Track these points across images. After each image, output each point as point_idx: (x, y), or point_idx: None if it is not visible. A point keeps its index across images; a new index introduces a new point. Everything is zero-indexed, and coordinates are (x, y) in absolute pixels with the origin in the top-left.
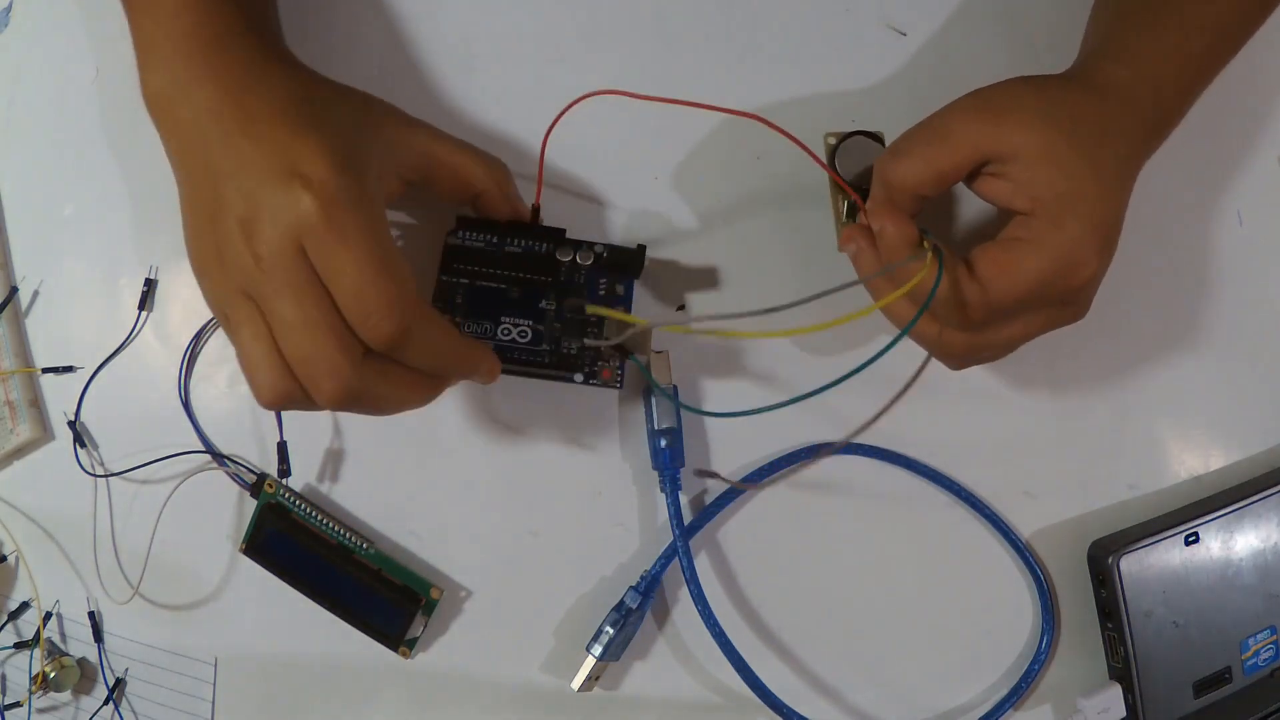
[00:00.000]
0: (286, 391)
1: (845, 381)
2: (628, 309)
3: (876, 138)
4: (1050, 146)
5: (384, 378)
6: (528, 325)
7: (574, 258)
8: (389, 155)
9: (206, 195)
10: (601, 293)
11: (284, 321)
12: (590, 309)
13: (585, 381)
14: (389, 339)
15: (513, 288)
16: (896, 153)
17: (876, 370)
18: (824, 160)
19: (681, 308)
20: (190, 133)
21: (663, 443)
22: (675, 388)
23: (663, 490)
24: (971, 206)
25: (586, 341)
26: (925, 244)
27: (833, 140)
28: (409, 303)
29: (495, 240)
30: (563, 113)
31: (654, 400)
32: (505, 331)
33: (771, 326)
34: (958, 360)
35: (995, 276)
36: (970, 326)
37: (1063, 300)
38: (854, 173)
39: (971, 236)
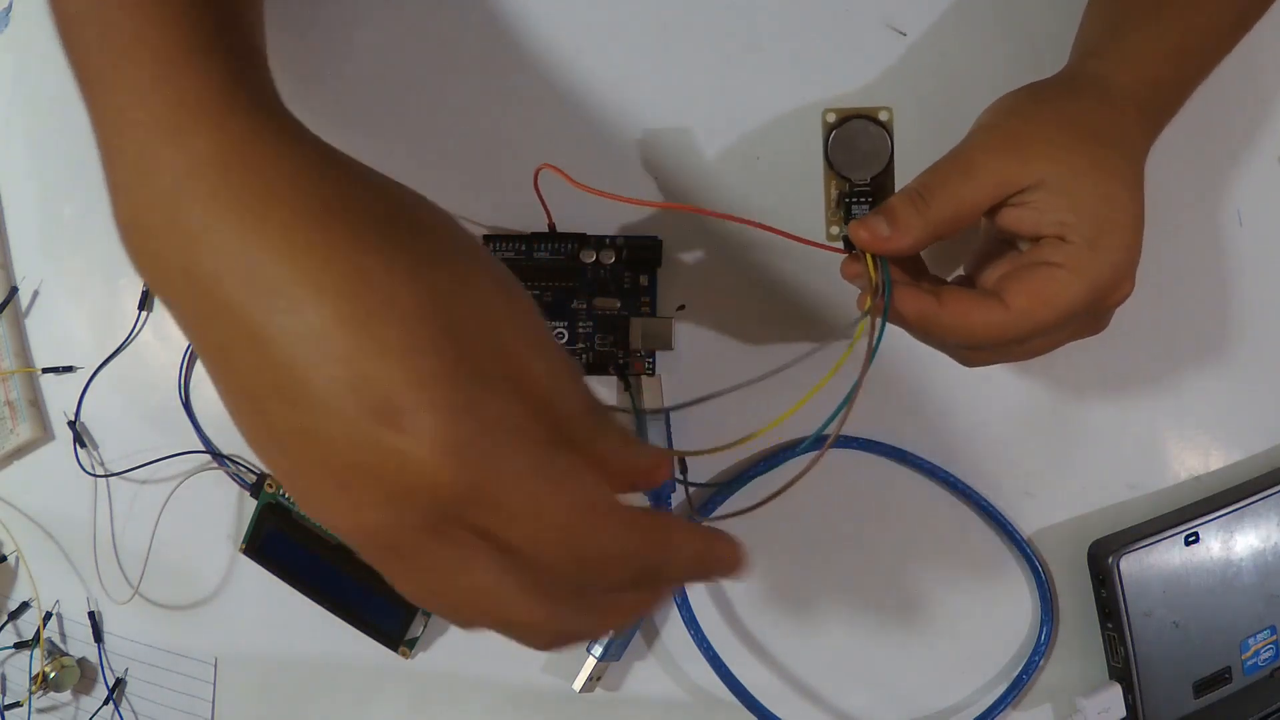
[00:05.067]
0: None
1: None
2: (652, 300)
3: (877, 120)
4: (1077, 172)
5: (611, 613)
6: (563, 327)
7: (596, 258)
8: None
9: (249, 410)
10: (626, 286)
11: (454, 599)
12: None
13: (621, 375)
14: (612, 582)
15: (545, 293)
16: (925, 190)
17: (882, 375)
18: (815, 241)
19: (681, 307)
20: (191, 287)
21: None
22: (667, 412)
23: None
24: None
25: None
26: (874, 275)
27: (832, 118)
28: (617, 527)
29: (524, 249)
30: (535, 179)
31: (645, 423)
32: None
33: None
34: (975, 365)
35: (1033, 308)
36: (998, 349)
37: (1094, 317)
38: (849, 158)
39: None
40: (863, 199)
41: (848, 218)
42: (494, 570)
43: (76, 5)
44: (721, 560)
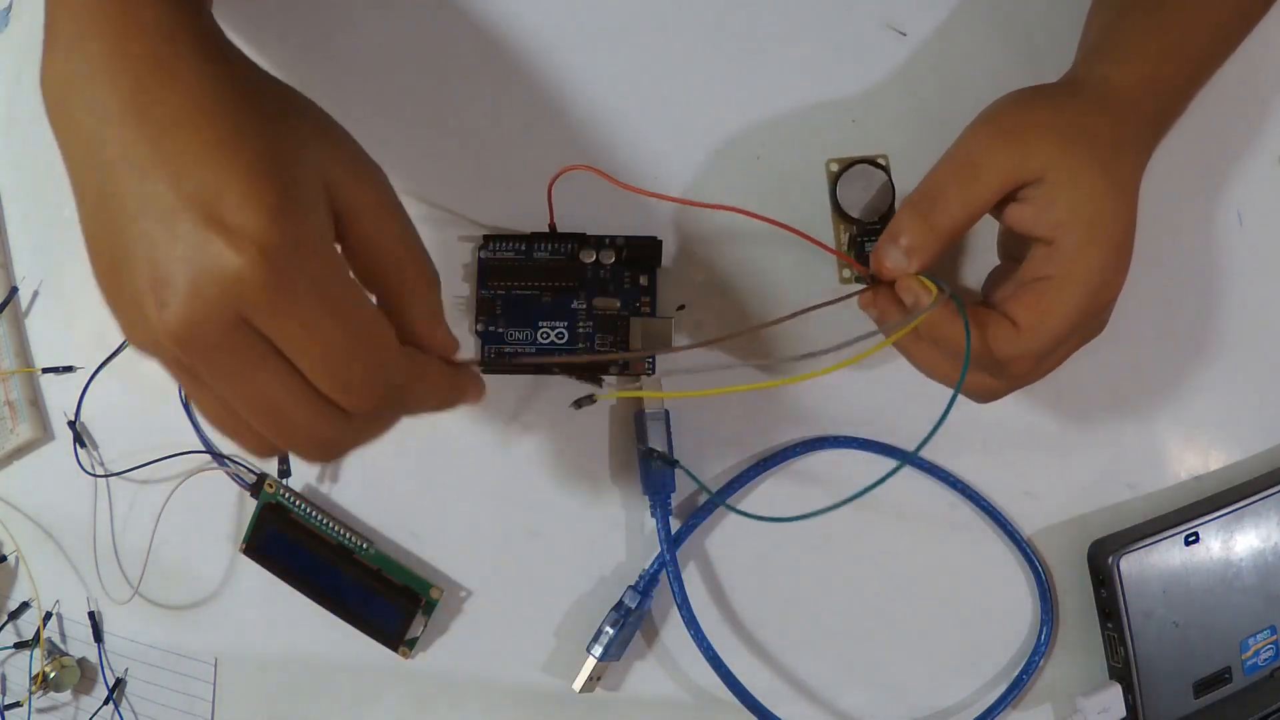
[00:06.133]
0: (270, 450)
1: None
2: (652, 300)
3: (879, 164)
4: (1073, 169)
5: (369, 427)
6: (563, 327)
7: (596, 258)
8: (328, 188)
9: (103, 230)
10: (626, 286)
11: (238, 404)
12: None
13: (620, 374)
14: (373, 407)
15: (545, 293)
16: (931, 199)
17: (879, 376)
18: (815, 238)
19: (682, 308)
20: (85, 139)
21: (653, 467)
22: (667, 412)
23: (653, 515)
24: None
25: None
26: (933, 287)
27: (835, 167)
28: (389, 361)
29: (523, 249)
30: (552, 180)
31: (645, 424)
32: (544, 335)
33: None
34: (988, 396)
35: (1039, 322)
36: (1017, 375)
37: (1093, 322)
38: (857, 201)
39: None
40: (873, 238)
41: (860, 257)
42: (280, 384)
43: None
44: (463, 394)
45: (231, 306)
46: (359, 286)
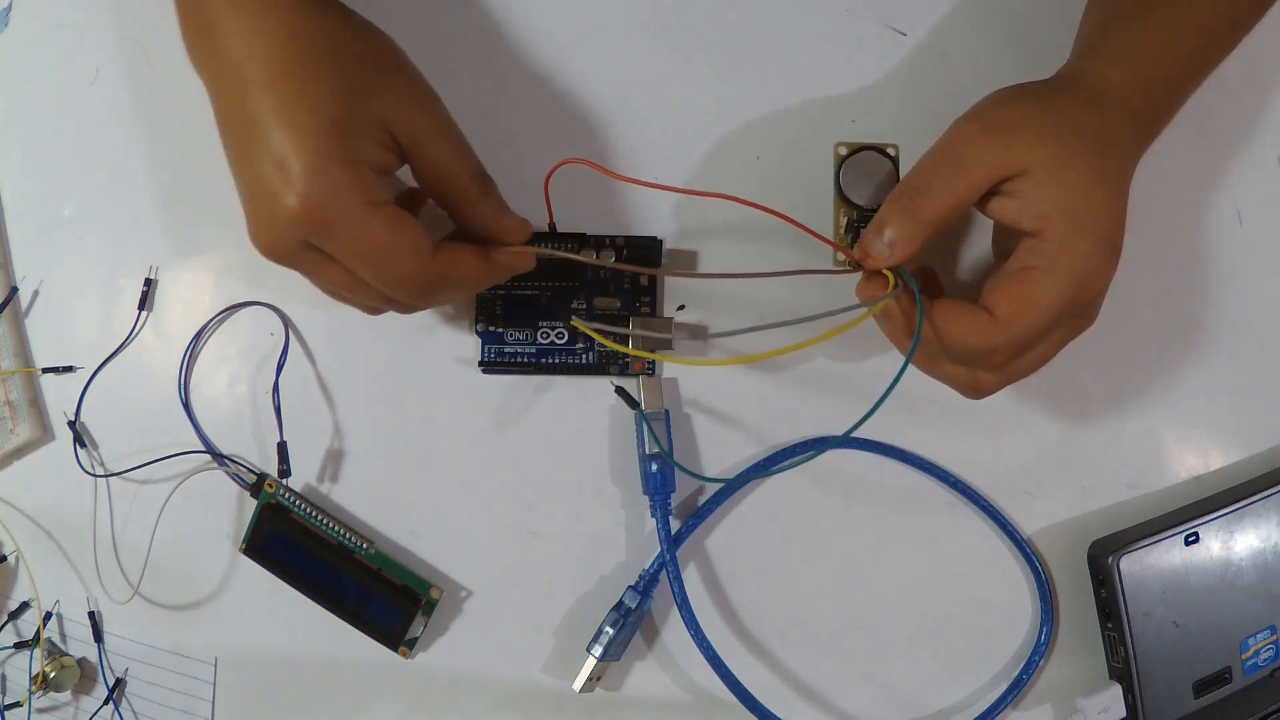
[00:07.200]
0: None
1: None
2: (652, 300)
3: (886, 153)
4: (1058, 163)
5: (427, 302)
6: (563, 327)
7: (596, 258)
8: (386, 125)
9: (231, 151)
10: (626, 286)
11: (322, 287)
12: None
13: (620, 374)
14: (413, 306)
15: (545, 294)
16: (916, 190)
17: (873, 375)
18: (805, 225)
19: (681, 307)
20: (211, 81)
21: (654, 467)
22: (667, 412)
23: (653, 515)
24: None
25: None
26: (889, 274)
27: (844, 150)
28: (418, 267)
29: None
30: (549, 174)
31: (644, 425)
32: (544, 335)
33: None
34: (985, 395)
35: (1017, 313)
36: (1000, 367)
37: (1079, 315)
38: (860, 187)
39: (970, 264)
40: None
41: (855, 244)
42: (339, 275)
43: None
44: (506, 268)
45: (291, 231)
46: (391, 214)
